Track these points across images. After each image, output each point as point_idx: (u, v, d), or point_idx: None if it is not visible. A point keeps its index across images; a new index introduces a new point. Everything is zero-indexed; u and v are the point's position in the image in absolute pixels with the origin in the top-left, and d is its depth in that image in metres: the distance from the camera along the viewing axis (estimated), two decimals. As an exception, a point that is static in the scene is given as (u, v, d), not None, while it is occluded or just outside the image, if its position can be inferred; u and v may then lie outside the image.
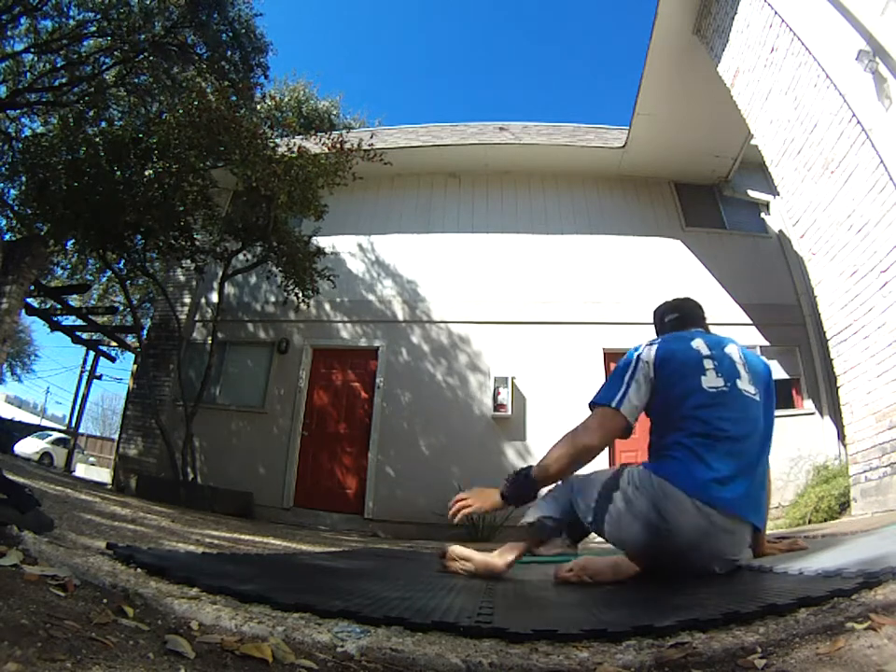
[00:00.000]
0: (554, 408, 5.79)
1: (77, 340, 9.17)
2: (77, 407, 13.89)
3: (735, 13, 4.42)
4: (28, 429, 14.70)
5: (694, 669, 0.60)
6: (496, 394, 5.99)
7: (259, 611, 0.77)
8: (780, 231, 6.65)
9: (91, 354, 12.23)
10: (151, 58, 8.67)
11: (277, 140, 5.81)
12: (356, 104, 43.94)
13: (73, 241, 6.20)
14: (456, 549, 1.55)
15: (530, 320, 6.34)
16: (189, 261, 6.24)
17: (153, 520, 2.58)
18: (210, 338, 6.16)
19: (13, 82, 8.95)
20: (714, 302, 6.24)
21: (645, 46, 5.32)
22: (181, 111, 5.46)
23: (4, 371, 14.85)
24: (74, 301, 9.44)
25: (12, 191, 8.50)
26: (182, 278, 7.34)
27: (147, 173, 5.36)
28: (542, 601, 1.02)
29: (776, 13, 3.91)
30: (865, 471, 3.19)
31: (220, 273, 6.16)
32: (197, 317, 7.19)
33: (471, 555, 1.48)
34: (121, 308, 9.91)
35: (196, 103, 5.30)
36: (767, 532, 1.46)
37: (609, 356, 6.01)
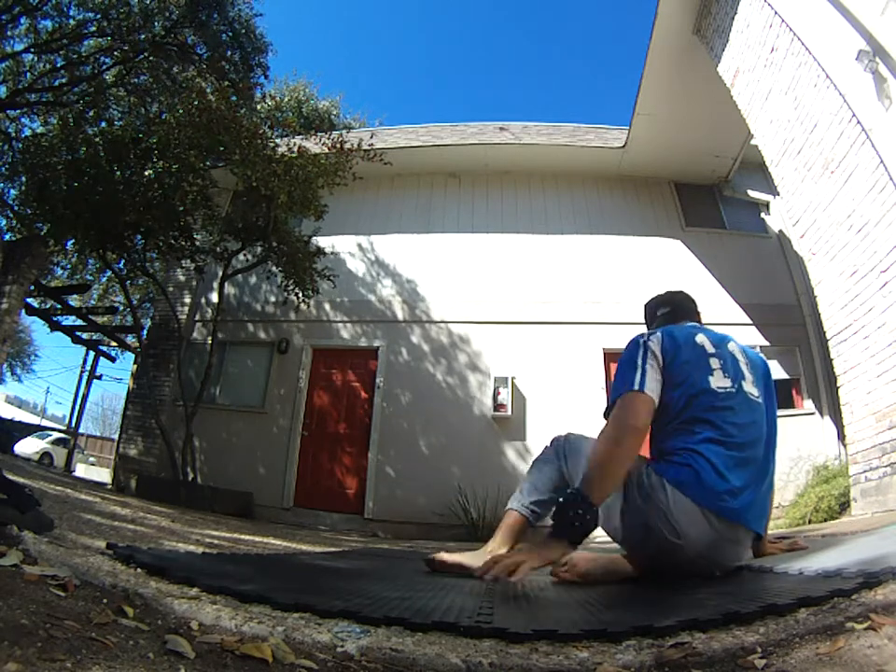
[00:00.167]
0: (554, 408, 5.79)
1: (76, 340, 9.17)
2: (77, 407, 13.91)
3: (735, 13, 4.42)
4: (28, 429, 14.71)
5: (694, 669, 0.60)
6: (496, 394, 5.99)
7: (259, 611, 0.77)
8: (780, 231, 6.65)
9: (91, 354, 12.23)
10: (151, 58, 8.67)
11: (277, 140, 5.82)
12: (356, 104, 44.01)
13: (73, 241, 6.20)
14: (445, 558, 1.47)
15: (530, 320, 6.34)
16: (188, 261, 6.25)
17: (153, 520, 2.58)
18: (210, 338, 6.16)
19: (13, 82, 8.96)
20: (714, 302, 6.25)
21: (645, 46, 5.33)
22: (181, 111, 5.46)
23: (4, 370, 14.86)
24: (74, 301, 9.44)
25: (12, 191, 8.52)
26: (182, 278, 7.35)
27: (146, 173, 5.36)
28: (542, 601, 1.02)
29: (776, 13, 3.91)
30: (865, 471, 3.19)
31: (220, 273, 6.16)
32: (197, 317, 7.19)
33: (461, 562, 1.42)
34: (121, 308, 9.91)
35: (196, 103, 5.31)
36: (768, 532, 1.45)
37: (609, 356, 6.01)
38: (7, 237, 6.59)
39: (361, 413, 6.33)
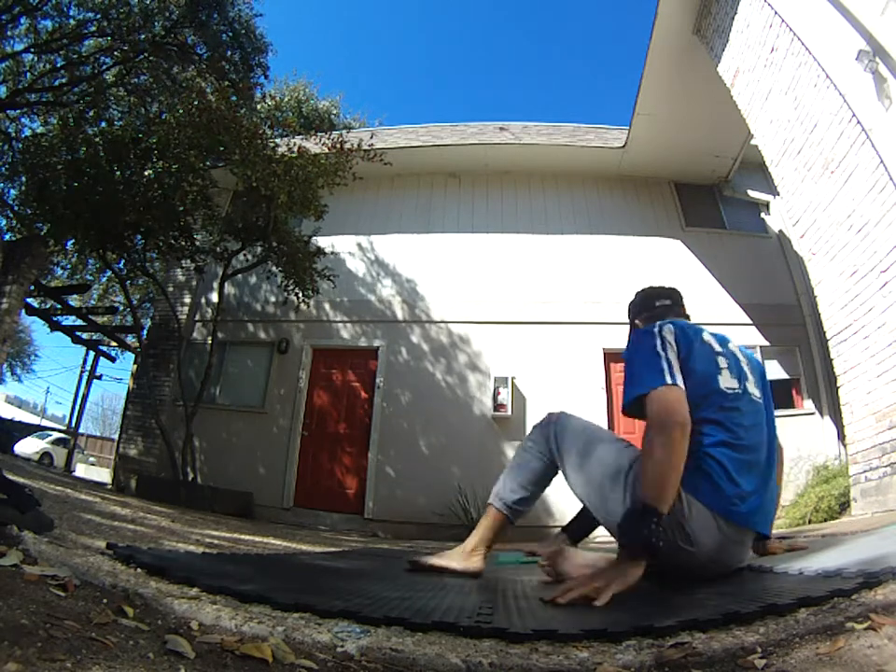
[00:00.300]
0: (554, 408, 5.78)
1: (77, 340, 9.17)
2: (77, 407, 13.91)
3: (735, 13, 4.42)
4: (28, 429, 14.70)
5: (694, 669, 0.60)
6: (496, 394, 5.99)
7: (259, 611, 0.77)
8: (780, 231, 6.65)
9: (91, 354, 12.23)
10: (151, 58, 8.67)
11: (277, 140, 5.82)
12: (356, 104, 44.00)
13: (73, 241, 6.20)
14: (433, 562, 1.46)
15: (530, 320, 6.34)
16: (189, 261, 6.25)
17: (153, 520, 2.58)
18: (210, 338, 6.16)
19: (13, 82, 8.96)
20: (714, 302, 6.25)
21: (645, 46, 5.32)
22: (181, 111, 5.46)
23: (4, 370, 14.86)
24: (74, 301, 9.44)
25: (12, 191, 8.51)
26: (182, 278, 7.34)
27: (146, 173, 5.36)
28: (542, 601, 1.02)
29: (776, 13, 3.91)
30: (865, 471, 3.19)
31: (220, 273, 6.16)
32: (197, 317, 7.19)
33: (448, 566, 1.42)
34: (121, 308, 9.91)
35: (196, 103, 5.31)
36: (772, 533, 1.43)
37: (609, 356, 6.01)
38: (7, 237, 6.59)
39: (361, 412, 6.33)
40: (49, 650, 0.50)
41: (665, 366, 1.15)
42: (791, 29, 3.77)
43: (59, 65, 9.00)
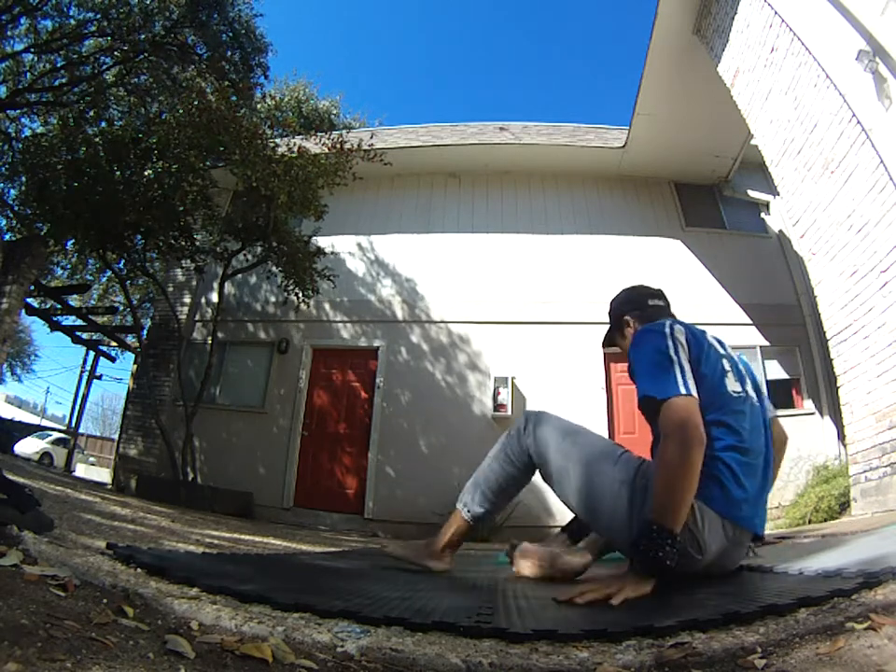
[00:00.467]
0: (555, 408, 5.76)
1: (76, 340, 9.17)
2: (77, 407, 13.90)
3: (735, 13, 4.42)
4: (28, 429, 14.70)
5: (694, 669, 0.60)
6: (496, 394, 5.99)
7: (259, 611, 0.77)
8: (780, 231, 6.65)
9: (91, 354, 12.23)
10: (151, 58, 8.67)
11: (277, 140, 5.82)
12: (356, 104, 43.97)
13: (73, 241, 6.20)
14: (396, 553, 1.51)
15: (530, 320, 6.34)
16: (189, 261, 6.25)
17: (153, 520, 2.58)
18: (210, 338, 6.16)
19: (13, 82, 8.95)
20: (714, 302, 6.25)
21: (645, 46, 5.32)
22: (181, 111, 5.47)
23: (4, 370, 14.86)
24: (74, 301, 9.44)
25: (12, 191, 8.50)
26: (182, 278, 7.34)
27: (146, 173, 5.36)
28: (542, 601, 1.02)
29: (776, 13, 3.91)
30: (865, 471, 3.19)
31: (220, 273, 6.16)
32: (197, 317, 7.19)
33: (421, 562, 1.44)
34: (121, 308, 9.91)
35: (196, 103, 5.31)
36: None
37: (609, 356, 6.01)
38: (7, 237, 6.59)
39: (361, 412, 6.33)
40: (49, 650, 0.50)
41: (679, 373, 1.12)
42: (790, 29, 3.77)
43: (59, 65, 9.00)
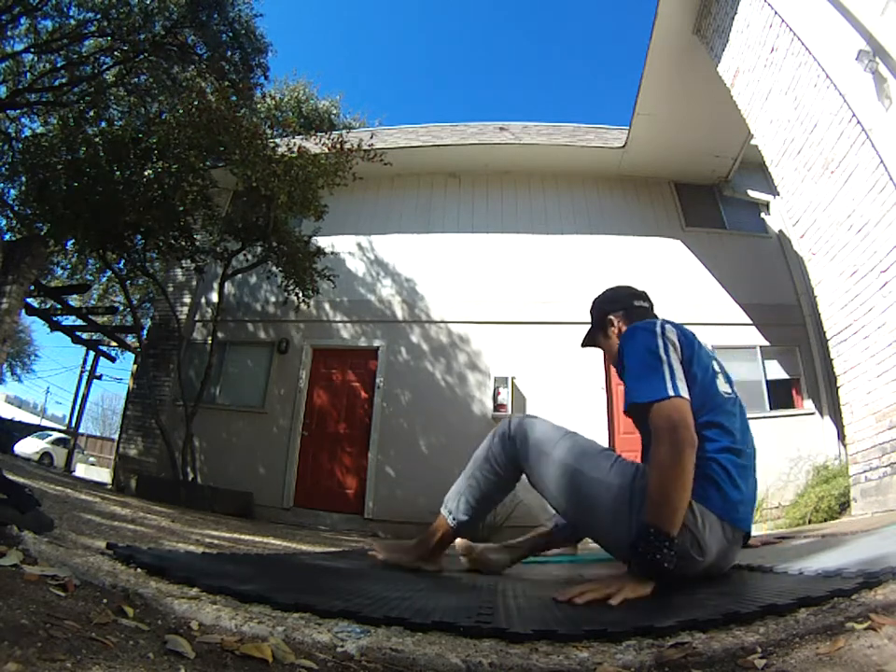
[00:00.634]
0: (554, 408, 5.78)
1: (77, 340, 9.17)
2: (77, 407, 13.90)
3: (735, 13, 4.42)
4: (28, 429, 14.70)
5: (694, 669, 0.60)
6: (496, 394, 5.99)
7: (259, 611, 0.77)
8: (780, 231, 6.65)
9: (91, 354, 12.23)
10: (151, 58, 8.67)
11: (277, 140, 5.82)
12: (356, 104, 43.97)
13: (73, 241, 6.20)
14: (385, 558, 1.50)
15: (530, 320, 6.34)
16: (189, 261, 6.25)
17: (153, 520, 2.58)
18: (210, 338, 6.16)
19: (13, 82, 8.95)
20: (714, 302, 6.25)
21: (645, 46, 5.32)
22: (181, 111, 5.47)
23: (4, 370, 14.86)
24: (74, 301, 9.44)
25: (12, 191, 8.51)
26: (182, 278, 7.34)
27: (146, 173, 5.36)
28: (542, 601, 1.02)
29: (776, 13, 3.91)
30: (865, 471, 3.19)
31: (220, 273, 6.16)
32: (197, 317, 7.19)
33: (416, 566, 1.44)
34: (121, 308, 9.91)
35: (196, 103, 5.31)
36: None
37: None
38: (7, 237, 6.59)
39: (361, 412, 6.33)
40: (49, 650, 0.50)
41: (668, 374, 1.11)
42: (790, 29, 3.77)
43: (59, 65, 8.99)
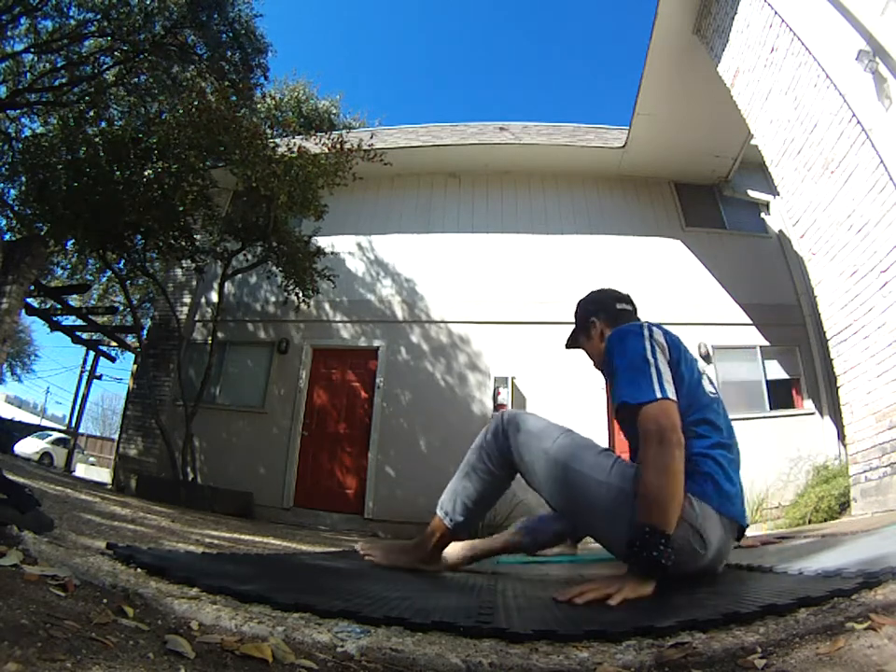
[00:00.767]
0: (555, 408, 5.78)
1: (76, 340, 9.17)
2: (77, 407, 13.90)
3: (735, 13, 4.42)
4: (28, 429, 14.70)
5: (694, 669, 0.60)
6: (496, 394, 5.99)
7: (259, 611, 0.77)
8: (780, 231, 6.65)
9: (91, 354, 12.23)
10: (151, 58, 8.67)
11: (277, 140, 5.82)
12: (356, 104, 43.96)
13: (73, 241, 6.20)
14: (379, 561, 1.49)
15: (530, 320, 6.34)
16: (189, 261, 6.25)
17: (153, 520, 2.58)
18: (210, 338, 6.16)
19: (13, 82, 8.95)
20: (714, 302, 6.25)
21: (645, 46, 5.33)
22: (181, 111, 5.47)
23: (4, 370, 14.86)
24: (74, 300, 9.45)
25: (12, 191, 8.51)
26: (182, 278, 7.35)
27: (146, 173, 5.36)
28: (542, 601, 1.02)
29: (776, 13, 3.91)
30: (865, 471, 3.19)
31: (220, 273, 6.17)
32: (197, 317, 7.19)
33: (416, 567, 1.43)
34: (121, 308, 9.91)
35: (196, 103, 5.31)
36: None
37: (609, 356, 6.00)
38: (7, 237, 6.59)
39: (361, 412, 6.33)
40: (49, 650, 0.50)
41: (656, 376, 1.12)
42: (790, 29, 3.77)
43: (59, 65, 8.99)
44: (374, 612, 0.77)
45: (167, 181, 5.19)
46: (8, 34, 8.53)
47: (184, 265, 6.92)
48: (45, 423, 22.87)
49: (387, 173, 6.64)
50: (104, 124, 7.43)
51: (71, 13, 8.57)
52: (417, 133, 7.75)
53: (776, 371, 5.98)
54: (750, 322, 6.11)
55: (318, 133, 5.83)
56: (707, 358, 5.83)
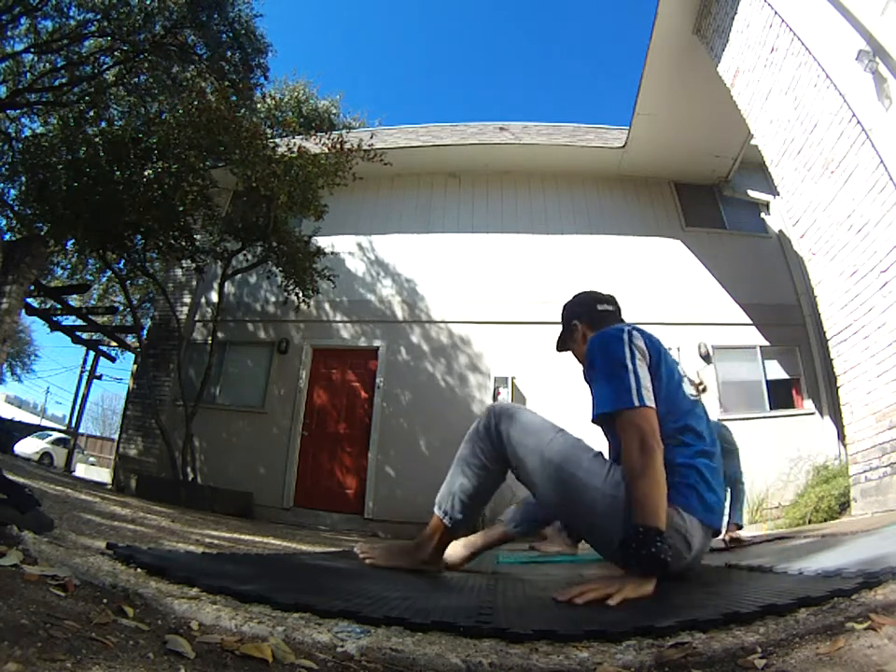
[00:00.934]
0: (555, 408, 5.77)
1: (77, 340, 9.17)
2: (77, 407, 13.90)
3: (735, 13, 4.42)
4: (28, 429, 14.69)
5: (694, 669, 0.60)
6: (496, 394, 5.99)
7: (259, 611, 0.77)
8: (780, 231, 6.65)
9: (91, 354, 12.23)
10: (151, 58, 8.67)
11: (277, 140, 5.82)
12: (356, 104, 43.96)
13: (73, 241, 6.20)
14: (379, 563, 1.47)
15: (530, 320, 6.34)
16: (189, 261, 6.25)
17: (153, 520, 2.58)
18: (210, 338, 6.16)
19: (13, 82, 8.95)
20: (714, 302, 6.25)
21: (645, 46, 5.33)
22: (181, 111, 5.47)
23: (4, 370, 14.86)
24: (74, 300, 9.44)
25: (12, 191, 8.50)
26: (182, 278, 7.35)
27: (146, 173, 5.36)
28: (542, 601, 1.02)
29: (776, 13, 3.91)
30: (865, 471, 3.19)
31: (220, 273, 6.17)
32: (197, 317, 7.19)
33: (416, 568, 1.42)
34: (121, 308, 9.91)
35: (196, 103, 5.31)
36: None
37: (609, 356, 6.00)
38: (7, 237, 6.59)
39: (361, 412, 6.33)
40: (49, 650, 0.50)
41: (634, 382, 1.14)
42: (790, 29, 3.77)
43: (59, 65, 8.99)
44: (374, 612, 0.77)
45: (167, 181, 5.19)
46: (8, 34, 8.53)
47: (184, 265, 6.92)
48: (45, 423, 22.86)
49: (387, 173, 6.64)
50: (104, 124, 7.43)
51: (71, 13, 8.57)
52: (417, 132, 7.75)
53: (776, 370, 5.98)
54: (750, 322, 6.11)
55: (318, 133, 5.82)
56: (706, 358, 5.83)
